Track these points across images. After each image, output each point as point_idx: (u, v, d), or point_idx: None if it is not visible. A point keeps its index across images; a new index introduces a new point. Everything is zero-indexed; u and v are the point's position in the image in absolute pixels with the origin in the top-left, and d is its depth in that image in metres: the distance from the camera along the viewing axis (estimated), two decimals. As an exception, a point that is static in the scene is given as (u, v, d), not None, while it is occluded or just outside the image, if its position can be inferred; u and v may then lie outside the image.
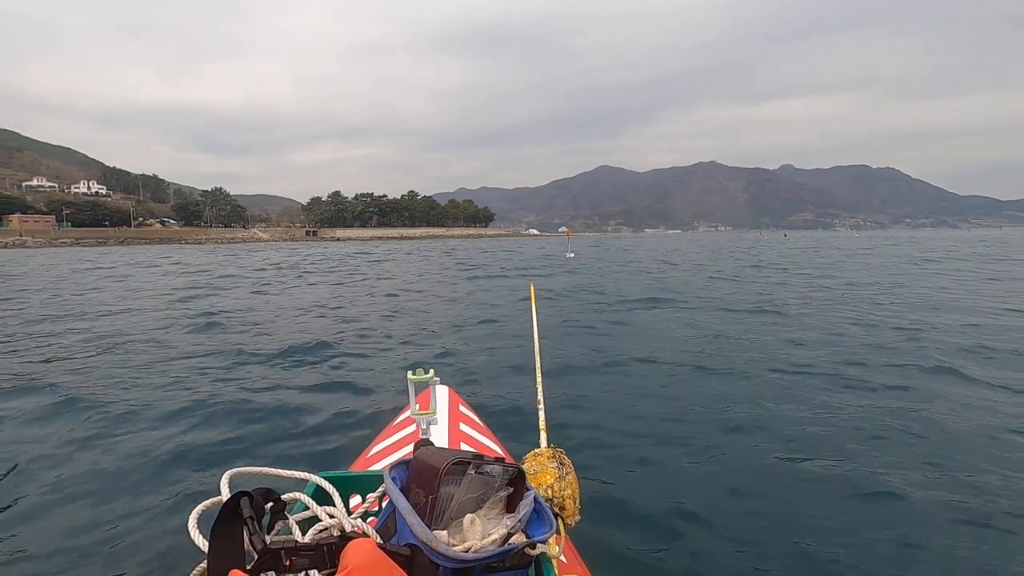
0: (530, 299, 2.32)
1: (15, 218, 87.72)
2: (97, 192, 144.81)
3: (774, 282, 13.86)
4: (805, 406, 4.14)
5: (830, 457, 3.22)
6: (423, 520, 0.84)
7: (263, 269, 21.72)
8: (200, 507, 0.88)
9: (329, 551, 0.74)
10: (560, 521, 1.13)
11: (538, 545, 0.85)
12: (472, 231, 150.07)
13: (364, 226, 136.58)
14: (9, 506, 2.72)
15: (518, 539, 0.86)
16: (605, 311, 9.23)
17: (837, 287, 12.24)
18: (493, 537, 0.84)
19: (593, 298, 11.04)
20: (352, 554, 0.67)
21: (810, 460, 3.20)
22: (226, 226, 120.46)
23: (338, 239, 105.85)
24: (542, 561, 0.92)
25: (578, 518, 1.17)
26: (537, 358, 1.77)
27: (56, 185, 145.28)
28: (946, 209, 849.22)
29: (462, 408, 2.41)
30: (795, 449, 3.35)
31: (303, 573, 0.77)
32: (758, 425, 3.75)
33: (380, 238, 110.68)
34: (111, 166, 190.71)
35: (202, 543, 0.79)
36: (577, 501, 1.17)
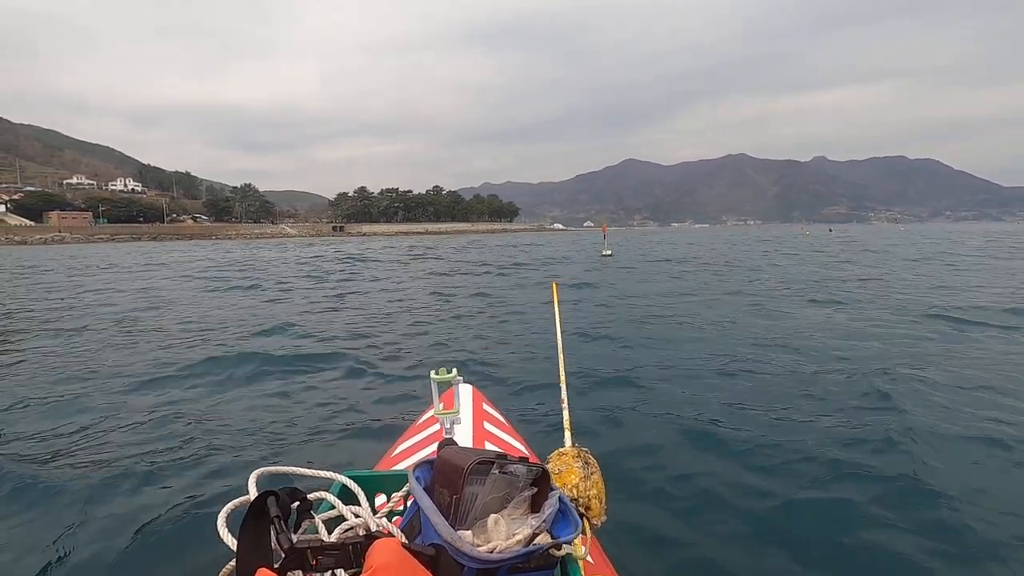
0: (553, 298, 2.34)
1: (54, 215, 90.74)
2: (133, 189, 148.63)
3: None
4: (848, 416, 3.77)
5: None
6: (447, 520, 0.84)
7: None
8: (228, 506, 0.89)
9: (355, 550, 0.74)
10: (586, 521, 1.11)
11: (563, 546, 0.84)
12: (496, 226, 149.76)
13: (389, 221, 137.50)
14: (38, 500, 2.76)
15: (543, 539, 0.86)
16: (655, 319, 8.44)
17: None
18: (518, 537, 0.83)
19: (653, 316, 8.44)
20: (377, 554, 0.67)
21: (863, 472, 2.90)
22: (255, 222, 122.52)
23: (364, 234, 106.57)
24: (568, 562, 0.92)
25: (604, 518, 1.16)
26: (561, 357, 1.78)
27: (95, 183, 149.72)
28: (989, 201, 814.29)
29: (486, 407, 2.40)
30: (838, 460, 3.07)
31: (329, 572, 0.77)
32: (796, 430, 3.56)
33: (405, 233, 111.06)
34: (146, 163, 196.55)
35: (231, 541, 0.80)
36: (603, 501, 1.16)
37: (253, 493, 0.88)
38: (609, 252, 24.99)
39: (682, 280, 14.08)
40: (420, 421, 2.34)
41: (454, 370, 1.56)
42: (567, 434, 1.41)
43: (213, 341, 6.93)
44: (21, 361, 5.88)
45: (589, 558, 1.12)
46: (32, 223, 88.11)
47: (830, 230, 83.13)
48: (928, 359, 5.28)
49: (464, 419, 2.10)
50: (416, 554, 0.73)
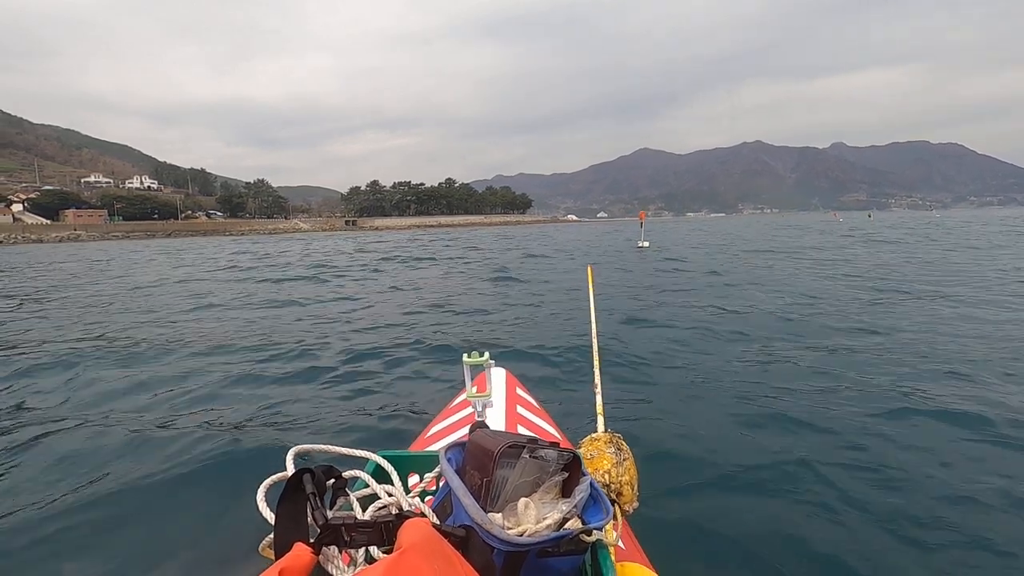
0: (587, 282, 2.36)
1: (70, 213, 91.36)
2: (149, 187, 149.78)
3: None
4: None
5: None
6: (478, 502, 0.84)
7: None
8: (267, 481, 0.90)
9: (387, 528, 0.75)
10: (617, 507, 1.11)
11: (594, 531, 0.84)
12: (510, 218, 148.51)
13: (402, 215, 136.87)
14: (79, 473, 2.88)
15: (573, 524, 0.85)
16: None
17: None
18: (548, 522, 0.84)
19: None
20: (408, 533, 0.67)
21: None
22: (268, 217, 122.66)
23: (377, 228, 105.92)
24: (598, 548, 0.92)
25: (636, 505, 1.16)
26: (594, 342, 1.78)
27: (111, 181, 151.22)
28: (1016, 186, 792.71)
29: (519, 391, 2.40)
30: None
31: (363, 548, 0.79)
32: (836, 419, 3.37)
33: (418, 227, 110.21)
34: (163, 161, 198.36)
35: (269, 515, 0.82)
36: (635, 487, 1.16)
37: (291, 470, 0.90)
38: (646, 243, 22.16)
39: (758, 272, 12.03)
40: (453, 404, 2.34)
41: (486, 353, 1.56)
42: (600, 419, 1.41)
43: (247, 322, 7.36)
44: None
45: (620, 544, 1.10)
46: (48, 221, 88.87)
47: (869, 216, 77.09)
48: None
49: (497, 402, 2.10)
50: (446, 534, 0.74)
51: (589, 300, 2.10)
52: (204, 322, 7.69)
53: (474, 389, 1.57)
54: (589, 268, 2.61)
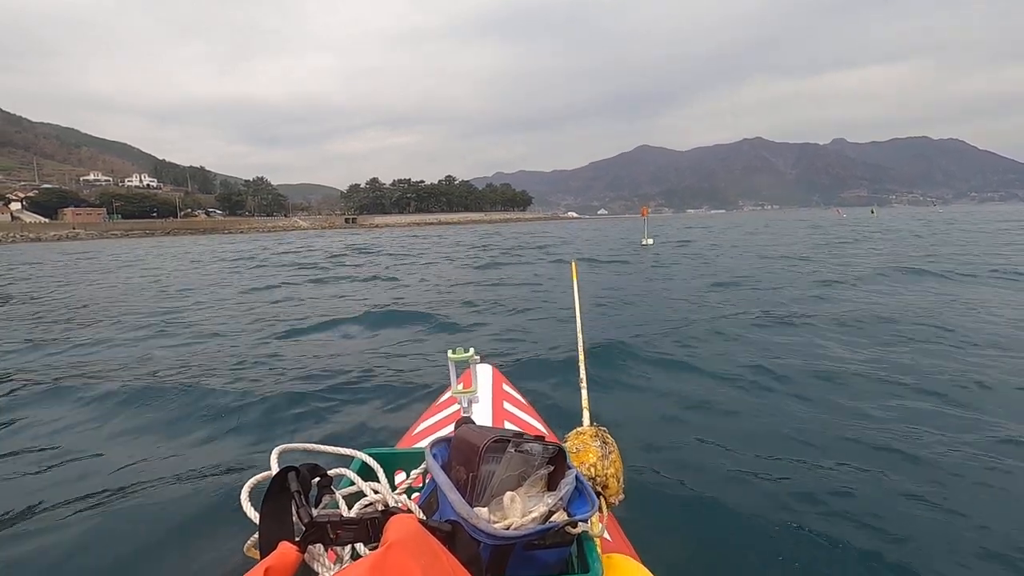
0: (572, 277, 2.37)
1: (68, 211, 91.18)
2: (148, 185, 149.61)
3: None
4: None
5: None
6: (464, 497, 0.84)
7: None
8: (251, 481, 0.90)
9: (373, 525, 0.75)
10: (603, 500, 1.12)
11: (580, 523, 0.85)
12: (511, 215, 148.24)
13: (402, 212, 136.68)
14: (63, 476, 2.83)
15: (559, 517, 0.86)
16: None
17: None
18: (534, 515, 0.84)
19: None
20: (394, 529, 0.67)
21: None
22: (268, 215, 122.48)
23: (376, 226, 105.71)
24: (584, 539, 0.92)
25: (622, 497, 1.17)
26: (580, 337, 1.79)
27: (111, 179, 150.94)
28: (1017, 181, 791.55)
29: (505, 387, 2.40)
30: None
31: (349, 546, 0.80)
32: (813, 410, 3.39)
33: (418, 224, 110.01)
34: (162, 159, 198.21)
35: (253, 515, 0.82)
36: (621, 480, 1.17)
37: (275, 469, 0.89)
38: (650, 241, 21.88)
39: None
40: (440, 401, 2.34)
41: (471, 350, 1.56)
42: (585, 413, 1.43)
43: (227, 320, 7.36)
44: None
45: (607, 535, 1.10)
46: (47, 220, 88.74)
47: (872, 212, 77.74)
48: None
49: (483, 398, 2.11)
50: (433, 530, 0.74)
51: (574, 295, 2.10)
52: (191, 314, 7.73)
53: (460, 385, 1.57)
54: (573, 263, 2.61)
